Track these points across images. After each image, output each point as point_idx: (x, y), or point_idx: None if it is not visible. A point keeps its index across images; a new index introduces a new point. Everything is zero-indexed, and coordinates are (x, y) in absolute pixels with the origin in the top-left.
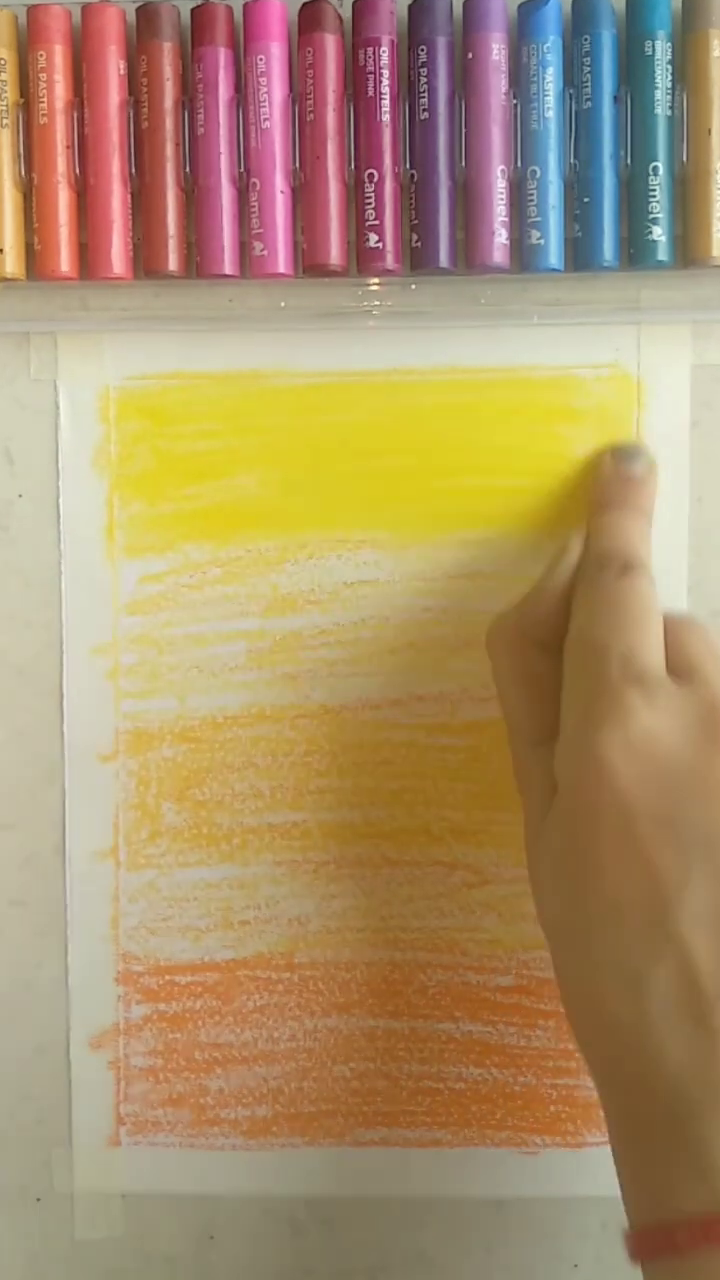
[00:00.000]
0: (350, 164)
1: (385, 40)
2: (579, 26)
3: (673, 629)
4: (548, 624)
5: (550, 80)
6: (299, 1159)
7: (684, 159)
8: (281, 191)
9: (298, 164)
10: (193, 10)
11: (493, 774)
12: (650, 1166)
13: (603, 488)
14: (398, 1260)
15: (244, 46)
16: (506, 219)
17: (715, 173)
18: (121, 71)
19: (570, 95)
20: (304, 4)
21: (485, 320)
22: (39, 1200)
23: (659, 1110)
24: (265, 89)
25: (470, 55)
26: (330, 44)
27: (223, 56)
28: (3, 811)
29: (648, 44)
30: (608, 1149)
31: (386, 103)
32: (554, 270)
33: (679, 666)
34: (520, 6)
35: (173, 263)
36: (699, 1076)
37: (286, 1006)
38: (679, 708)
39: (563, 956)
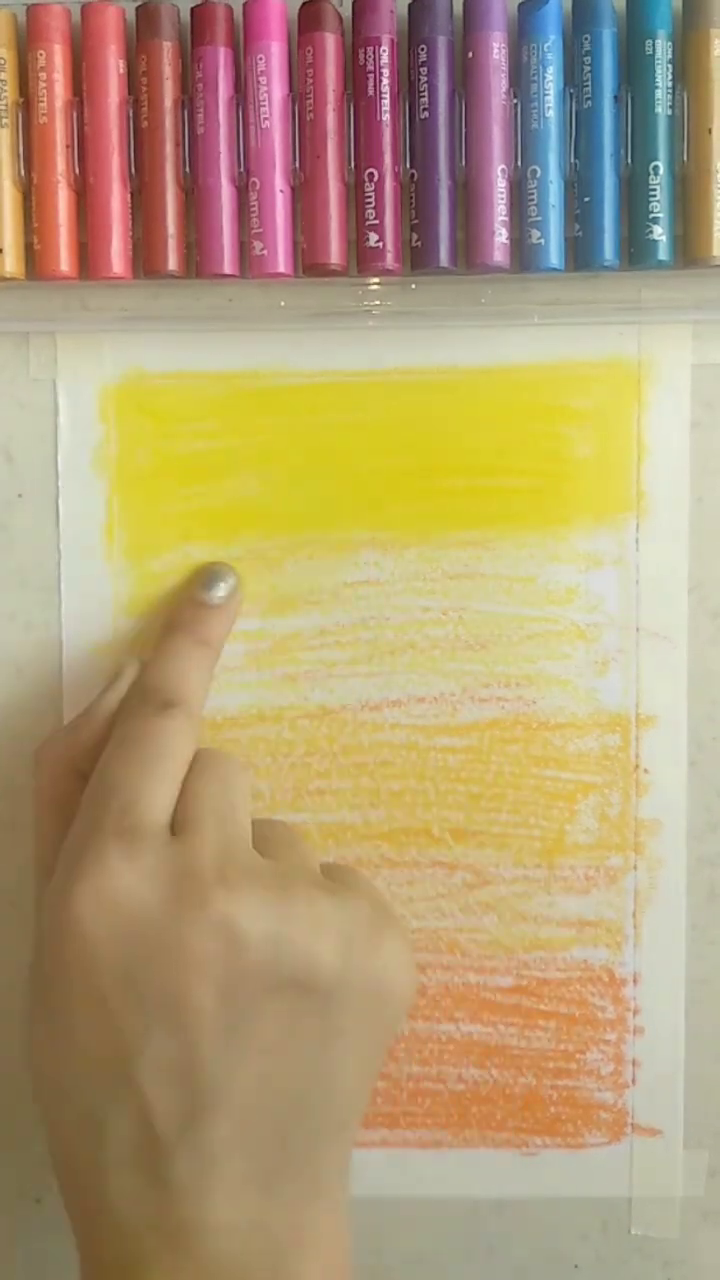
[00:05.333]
0: (350, 163)
1: (385, 39)
2: (579, 26)
3: (193, 777)
4: (90, 752)
5: (550, 79)
6: None
7: (684, 158)
8: (281, 191)
9: (298, 163)
10: (192, 10)
11: (493, 774)
12: None
13: (172, 610)
14: (397, 1260)
15: (244, 46)
16: (507, 218)
17: (716, 172)
18: (121, 71)
19: (570, 95)
20: (304, 3)
21: (485, 320)
22: (38, 1201)
23: (109, 1257)
24: (265, 88)
25: (470, 54)
26: (330, 43)
27: (222, 56)
28: (3, 811)
29: (648, 43)
30: (608, 1149)
31: (386, 102)
32: (554, 270)
33: (181, 818)
34: (520, 6)
35: (172, 262)
36: (147, 1225)
37: None
38: (159, 865)
39: (38, 1094)
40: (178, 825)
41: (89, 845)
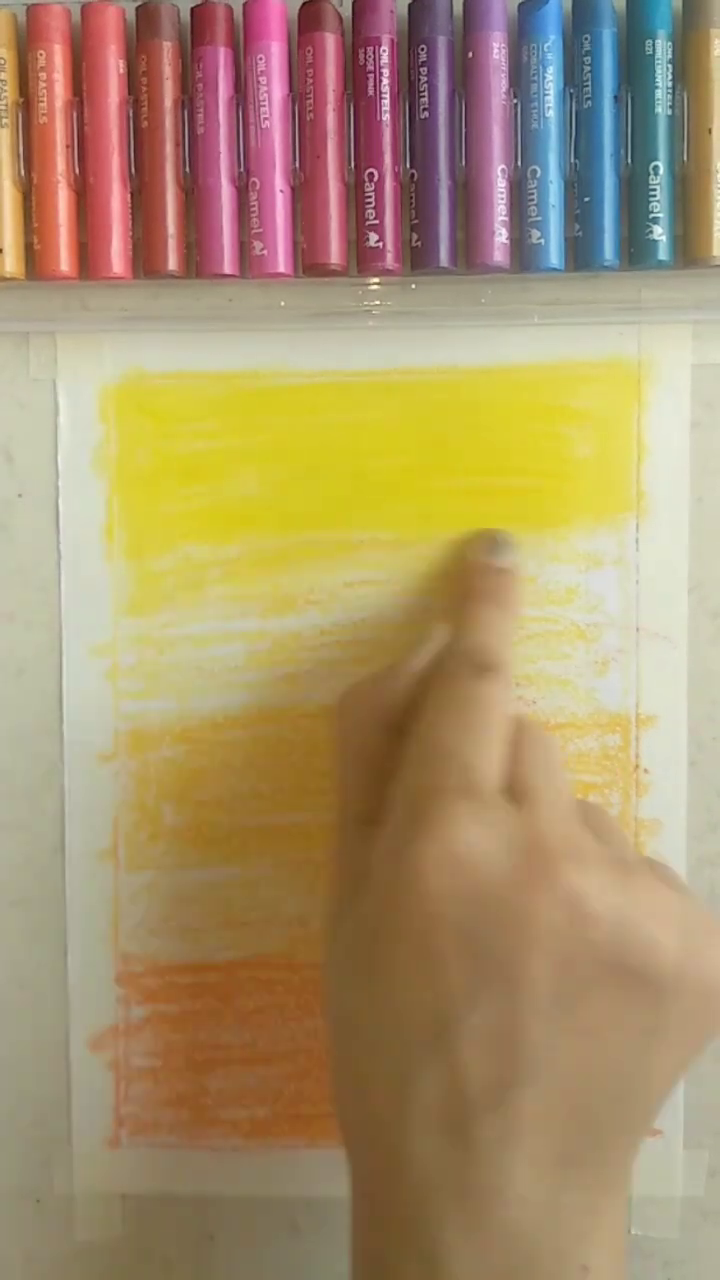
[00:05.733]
0: (350, 163)
1: (385, 39)
2: (579, 26)
3: (517, 743)
4: (399, 707)
5: (550, 79)
6: (299, 1160)
7: (684, 158)
8: (281, 191)
9: (297, 163)
10: (192, 10)
11: None
12: (382, 1269)
13: (470, 578)
14: None
15: (244, 46)
16: (507, 218)
17: (716, 172)
18: (121, 71)
19: (570, 95)
20: (304, 3)
21: (485, 320)
22: (39, 1201)
23: (401, 1215)
24: (265, 88)
25: (470, 54)
26: (330, 43)
27: (222, 56)
28: (2, 811)
29: (648, 43)
30: None
31: (386, 102)
32: (554, 270)
33: (516, 784)
34: (520, 6)
35: (172, 262)
36: (446, 1186)
37: (286, 1007)
38: (505, 830)
39: (338, 1044)
40: (514, 792)
41: (431, 800)
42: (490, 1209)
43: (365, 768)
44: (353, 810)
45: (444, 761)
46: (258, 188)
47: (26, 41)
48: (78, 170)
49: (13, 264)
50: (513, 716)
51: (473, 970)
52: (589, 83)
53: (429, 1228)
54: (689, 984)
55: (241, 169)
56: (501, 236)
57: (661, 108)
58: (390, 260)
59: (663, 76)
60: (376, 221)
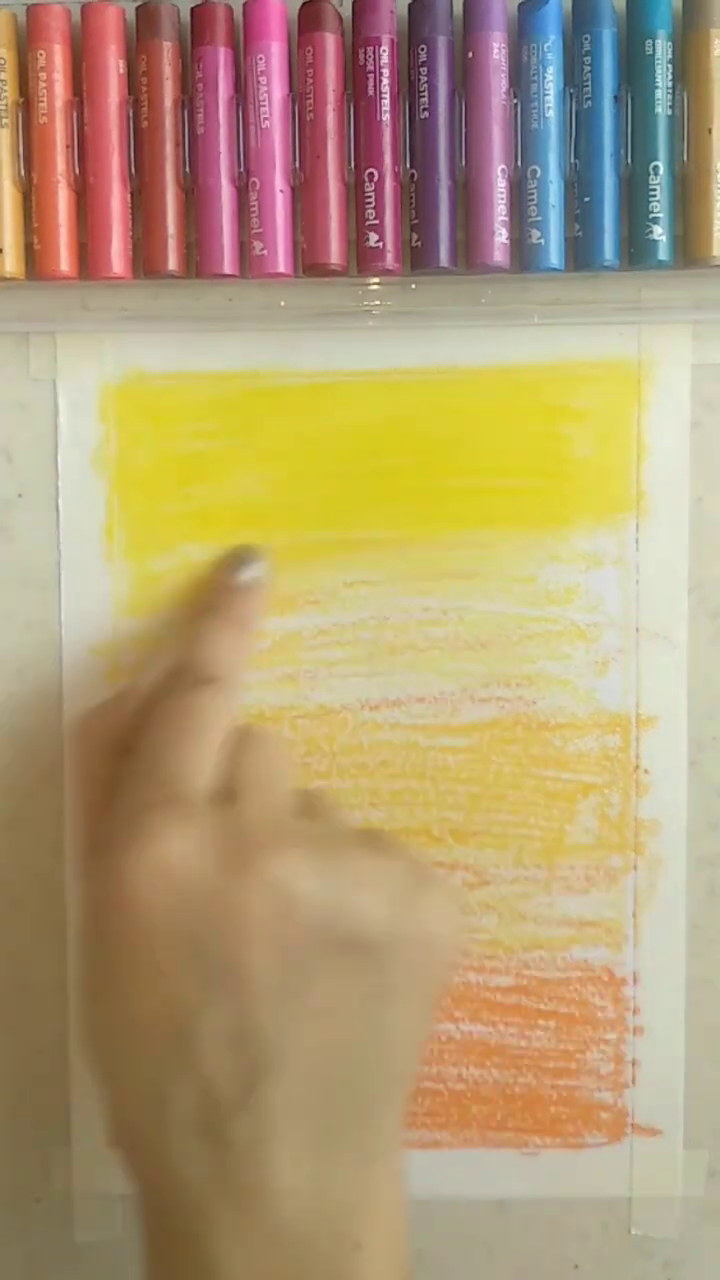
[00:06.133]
0: (350, 164)
1: (385, 39)
2: (579, 26)
3: (236, 747)
4: (128, 729)
5: (550, 79)
6: None
7: (684, 158)
8: (281, 191)
9: (298, 163)
10: (192, 10)
11: (493, 774)
12: None
13: (204, 595)
14: None
15: (244, 46)
16: (507, 218)
17: (716, 172)
18: (121, 71)
19: (570, 95)
20: (304, 3)
21: (485, 320)
22: (38, 1201)
23: (173, 1227)
24: (265, 88)
25: (470, 54)
26: (330, 43)
27: (222, 56)
28: (3, 811)
29: (648, 43)
30: (608, 1149)
31: (386, 102)
32: (554, 270)
33: (227, 787)
34: (520, 6)
35: (172, 262)
36: (211, 1191)
37: None
38: (210, 832)
39: (96, 1074)
40: (221, 794)
41: (135, 816)
42: (258, 1206)
43: (96, 792)
44: (85, 837)
45: (149, 773)
46: (258, 188)
47: (26, 41)
48: (78, 170)
49: (13, 264)
50: (235, 724)
51: (195, 975)
52: (589, 83)
53: (201, 1235)
54: (404, 940)
55: (241, 169)
56: (501, 236)
57: (661, 108)
58: (390, 260)
59: (663, 76)
60: (376, 221)
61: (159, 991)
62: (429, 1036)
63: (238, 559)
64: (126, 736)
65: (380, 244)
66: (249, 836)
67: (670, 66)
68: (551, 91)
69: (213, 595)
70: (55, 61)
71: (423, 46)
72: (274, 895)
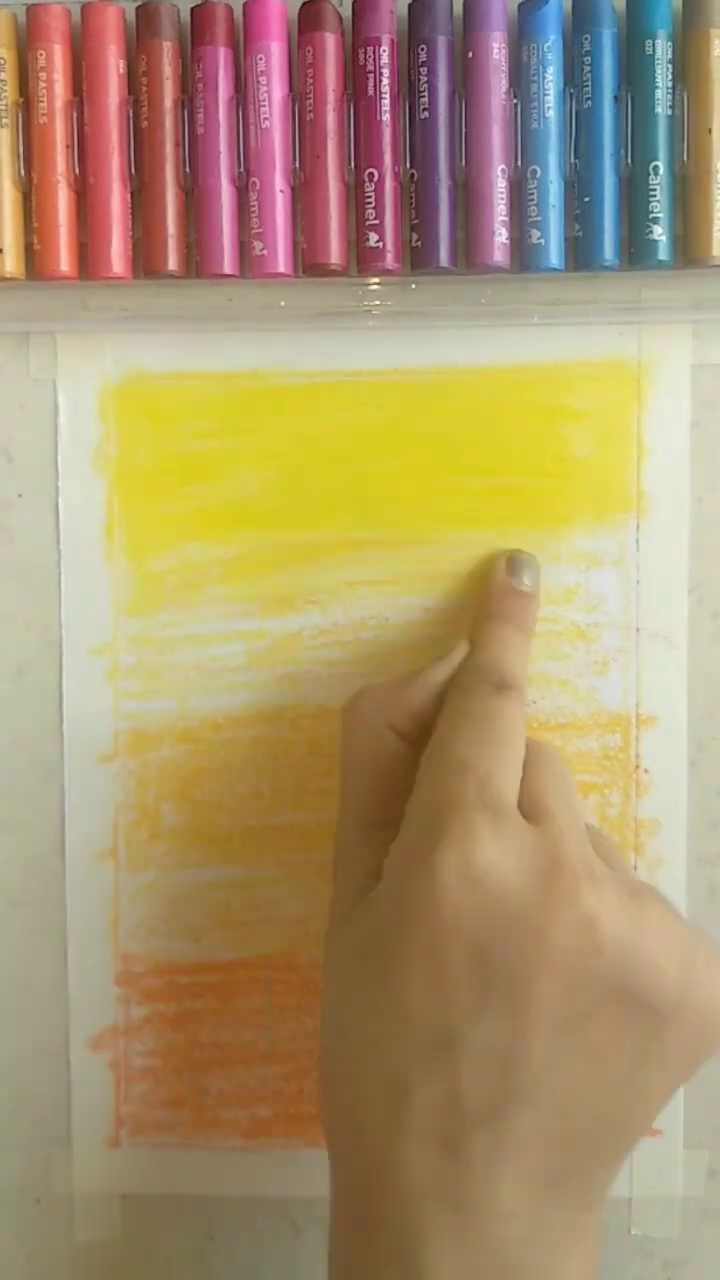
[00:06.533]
0: (350, 164)
1: (385, 39)
2: (579, 26)
3: (532, 764)
4: (413, 716)
5: (550, 79)
6: (299, 1160)
7: (684, 158)
8: (281, 191)
9: (298, 163)
10: (192, 10)
11: None
12: (363, 1277)
13: (492, 597)
14: None
15: (244, 46)
16: (507, 218)
17: (716, 172)
18: (121, 71)
19: (570, 95)
20: (304, 3)
21: (485, 320)
22: (38, 1201)
23: (387, 1224)
24: (265, 88)
25: (470, 54)
26: (330, 43)
27: (222, 56)
28: (3, 811)
29: (648, 43)
30: None
31: (386, 102)
32: (554, 270)
33: (531, 803)
34: (520, 6)
35: (172, 262)
36: (434, 1197)
37: (286, 1007)
38: (524, 847)
39: (334, 1046)
40: (530, 811)
41: (452, 812)
42: (477, 1222)
43: (374, 772)
44: (359, 814)
45: (464, 774)
46: (258, 188)
47: (26, 41)
48: (78, 170)
49: (13, 264)
50: (528, 737)
51: (481, 986)
52: (589, 83)
53: (415, 1238)
54: (688, 1011)
55: (241, 169)
56: (501, 236)
57: (661, 108)
58: (390, 260)
59: (663, 76)
60: (376, 221)
61: (438, 990)
62: (670, 1103)
63: (518, 564)
64: (412, 724)
65: (380, 244)
66: (566, 863)
67: (670, 66)
68: (551, 91)
69: (500, 599)
70: (55, 61)
71: (423, 46)
72: (583, 929)
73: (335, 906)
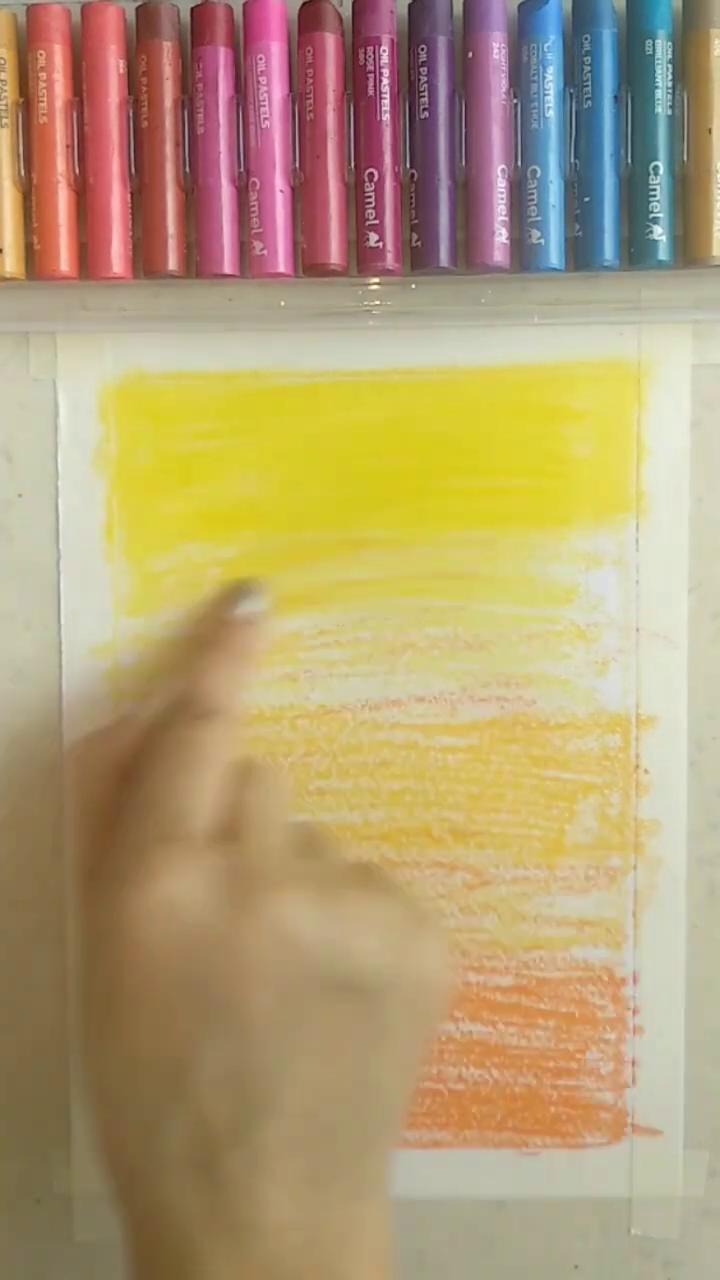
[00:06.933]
0: (350, 163)
1: (385, 39)
2: (579, 26)
3: (235, 784)
4: (126, 758)
5: (550, 79)
6: None
7: (684, 158)
8: (281, 191)
9: (298, 163)
10: (192, 10)
11: (492, 774)
12: None
13: (205, 628)
14: (398, 1260)
15: (244, 46)
16: (507, 218)
17: (716, 172)
18: (121, 71)
19: (570, 95)
20: (304, 3)
21: (485, 320)
22: (38, 1201)
23: (171, 1259)
24: (265, 88)
25: (470, 54)
26: (330, 43)
27: (222, 56)
28: (3, 811)
29: (648, 43)
30: (608, 1149)
31: (386, 102)
32: (554, 270)
33: (228, 824)
34: (520, 6)
35: (172, 262)
36: (203, 1225)
37: None
38: (212, 871)
39: (91, 1100)
40: (222, 831)
41: (138, 853)
42: (249, 1241)
43: (91, 821)
44: (81, 863)
45: (150, 808)
46: (258, 188)
47: (26, 41)
48: (78, 170)
49: (13, 264)
50: (235, 758)
51: (197, 1011)
52: (589, 83)
53: (191, 1268)
54: (400, 985)
55: (241, 169)
56: (501, 236)
57: (661, 108)
58: (390, 260)
59: (663, 76)
60: (376, 221)
61: (157, 1025)
62: (421, 1076)
63: (238, 592)
64: (126, 765)
65: (380, 244)
66: (250, 876)
67: (670, 66)
68: (551, 91)
69: (213, 628)
70: (55, 61)
71: (423, 46)
72: (274, 936)
73: (74, 961)
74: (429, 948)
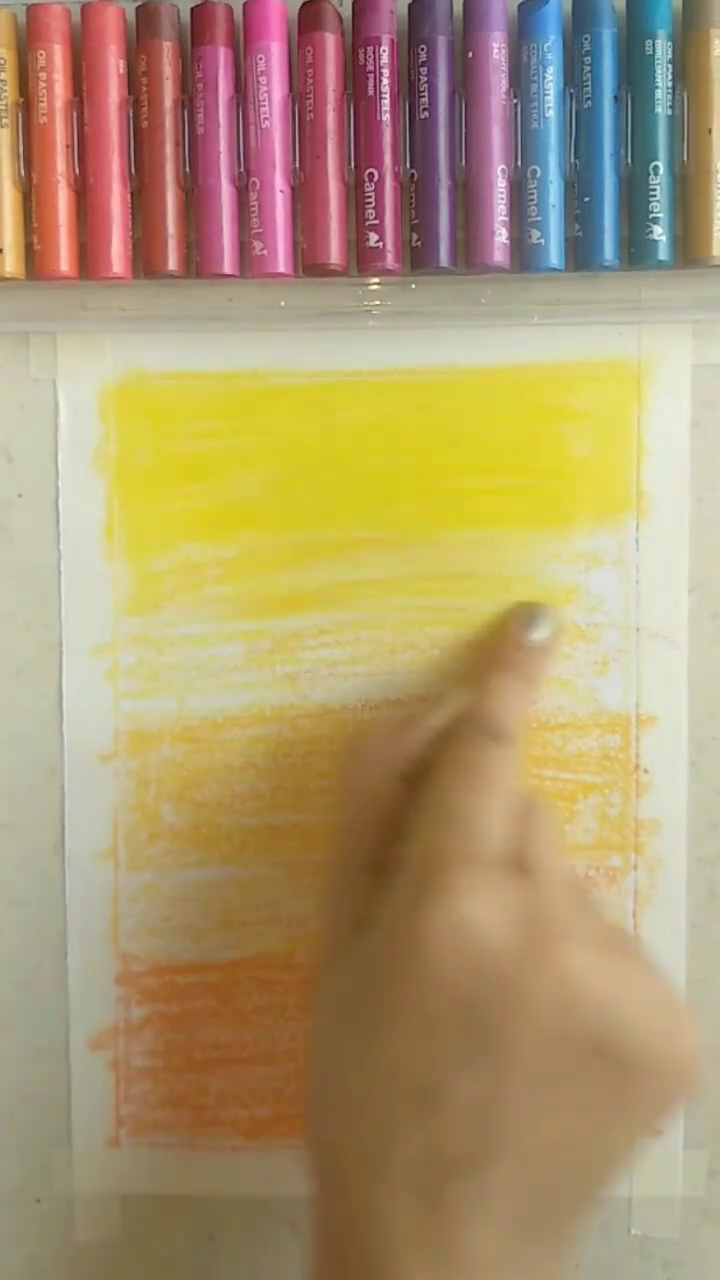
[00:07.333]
0: (350, 163)
1: (385, 39)
2: (579, 26)
3: (523, 815)
4: (410, 760)
5: (550, 79)
6: (299, 1160)
7: (684, 158)
8: (281, 191)
9: (298, 163)
10: (192, 10)
11: None
12: None
13: (499, 646)
14: None
15: (244, 46)
16: (507, 218)
17: (716, 172)
18: (121, 71)
19: (570, 95)
20: (304, 3)
21: (485, 320)
22: (39, 1201)
23: (363, 1265)
24: (265, 88)
25: (470, 54)
26: (330, 43)
27: (222, 56)
28: (2, 811)
29: (648, 43)
30: None
31: (386, 102)
32: (554, 270)
33: (521, 857)
34: (520, 6)
35: (172, 262)
36: (412, 1242)
37: (286, 1006)
38: (509, 902)
39: (320, 1086)
40: (519, 863)
41: (443, 866)
42: (453, 1270)
43: (371, 814)
44: (351, 855)
45: (453, 825)
46: (258, 188)
47: (26, 41)
48: (78, 170)
49: (13, 264)
50: (520, 788)
51: (465, 1038)
52: (589, 83)
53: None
54: (659, 1067)
55: (241, 169)
56: (501, 236)
57: (661, 108)
58: (390, 260)
59: (663, 76)
60: (376, 221)
61: (422, 1040)
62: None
63: (531, 615)
64: (409, 767)
65: (380, 244)
66: (549, 920)
67: (670, 66)
68: (551, 91)
69: (506, 650)
70: (55, 61)
71: (423, 46)
72: (559, 986)
73: (322, 946)
74: (691, 1037)
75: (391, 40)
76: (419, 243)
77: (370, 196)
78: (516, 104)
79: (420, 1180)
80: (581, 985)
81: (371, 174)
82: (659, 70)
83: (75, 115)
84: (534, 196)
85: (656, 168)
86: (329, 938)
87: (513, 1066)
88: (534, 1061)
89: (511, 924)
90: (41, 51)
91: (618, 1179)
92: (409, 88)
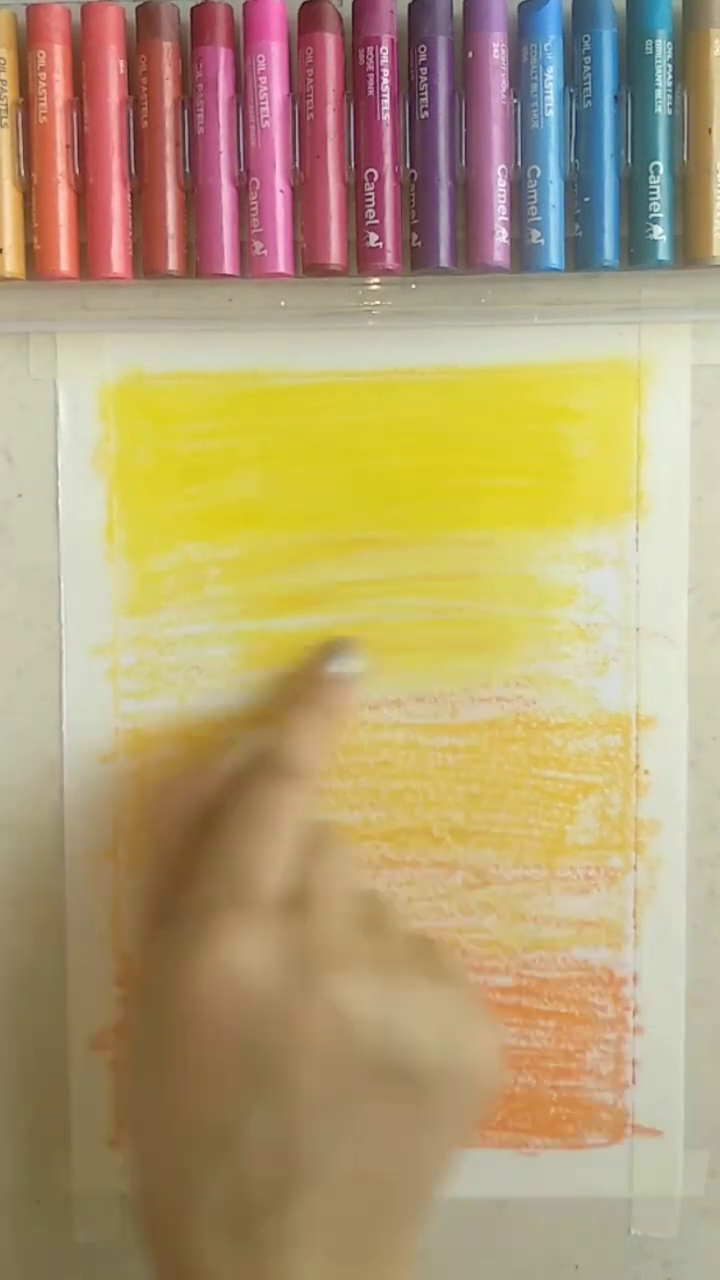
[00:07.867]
0: (350, 163)
1: (385, 39)
2: (579, 26)
3: (306, 851)
4: (205, 808)
5: (550, 79)
6: None
7: (684, 158)
8: (281, 191)
9: (298, 163)
10: (193, 10)
11: (493, 774)
12: None
13: (296, 679)
14: None
15: (244, 46)
16: (507, 218)
17: (716, 172)
18: (121, 71)
19: (570, 94)
20: (304, 3)
21: (485, 320)
22: (38, 1201)
23: None
24: (265, 88)
25: (470, 54)
26: (330, 43)
27: (222, 56)
28: (2, 811)
29: (648, 43)
30: (608, 1150)
31: (386, 102)
32: (554, 270)
33: (297, 892)
34: (520, 6)
35: (172, 262)
36: None
37: None
38: (277, 943)
39: (133, 1146)
40: (290, 899)
41: (206, 912)
42: None
43: (166, 867)
44: (147, 908)
45: (224, 868)
46: (258, 188)
47: (26, 41)
48: (78, 170)
49: (13, 264)
50: (310, 822)
51: (249, 1079)
52: (589, 83)
53: None
54: (450, 1076)
55: (241, 169)
56: (501, 236)
57: (661, 108)
58: (390, 260)
59: (663, 76)
60: (376, 221)
61: (210, 1086)
62: (457, 1161)
63: (332, 650)
64: (205, 813)
65: (380, 244)
66: (314, 953)
67: (670, 66)
68: (551, 91)
69: (304, 685)
70: (55, 61)
71: (423, 46)
72: (330, 1017)
73: (129, 1003)
74: (481, 1043)
75: (391, 40)
76: (419, 243)
77: (370, 196)
78: (516, 104)
79: (230, 1222)
80: (351, 1011)
81: (371, 174)
82: (659, 70)
83: (75, 115)
84: (534, 196)
85: (656, 168)
86: (133, 996)
87: (299, 1100)
88: (319, 1093)
89: (275, 961)
90: (41, 51)
91: (439, 1191)
92: (409, 88)
